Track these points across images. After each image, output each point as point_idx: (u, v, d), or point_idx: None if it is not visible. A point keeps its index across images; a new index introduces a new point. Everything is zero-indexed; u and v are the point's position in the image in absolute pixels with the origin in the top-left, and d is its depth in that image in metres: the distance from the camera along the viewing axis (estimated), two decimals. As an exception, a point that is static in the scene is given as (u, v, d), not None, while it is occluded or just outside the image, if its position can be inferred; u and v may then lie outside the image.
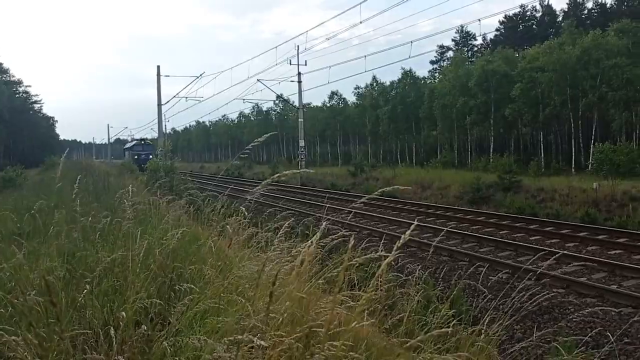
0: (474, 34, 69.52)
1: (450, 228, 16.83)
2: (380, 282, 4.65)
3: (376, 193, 3.86)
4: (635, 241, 13.81)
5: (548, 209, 20.30)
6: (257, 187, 3.74)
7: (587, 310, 8.70)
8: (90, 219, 5.29)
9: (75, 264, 4.18)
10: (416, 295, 4.60)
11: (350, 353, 2.55)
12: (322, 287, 4.16)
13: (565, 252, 12.59)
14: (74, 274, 3.95)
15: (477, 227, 17.29)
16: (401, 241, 2.49)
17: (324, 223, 3.71)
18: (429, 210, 21.51)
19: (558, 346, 4.30)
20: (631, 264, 11.41)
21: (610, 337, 6.91)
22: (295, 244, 4.68)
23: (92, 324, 3.19)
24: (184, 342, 2.85)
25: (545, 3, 63.77)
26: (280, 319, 2.96)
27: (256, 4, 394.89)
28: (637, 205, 19.53)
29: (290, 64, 41.23)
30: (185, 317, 3.08)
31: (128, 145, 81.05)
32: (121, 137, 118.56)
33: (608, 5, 57.23)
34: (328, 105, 76.37)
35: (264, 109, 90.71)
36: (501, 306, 4.61)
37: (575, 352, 4.12)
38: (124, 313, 2.84)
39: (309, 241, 2.77)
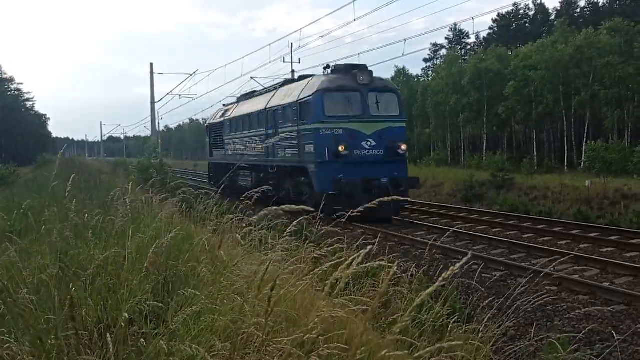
0: (467, 32, 69.74)
1: (444, 226, 16.85)
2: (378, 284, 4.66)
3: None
4: (627, 239, 13.87)
5: (540, 206, 20.36)
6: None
7: (580, 308, 8.75)
8: (84, 216, 5.26)
9: (68, 262, 4.16)
10: (410, 294, 4.61)
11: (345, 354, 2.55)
12: (316, 285, 4.16)
13: (567, 251, 12.66)
14: (67, 273, 3.92)
15: (470, 224, 17.31)
16: (449, 273, 2.37)
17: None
18: (422, 208, 21.53)
19: (554, 341, 4.31)
20: (623, 262, 11.46)
21: (604, 334, 6.96)
22: (290, 242, 4.67)
23: (86, 322, 3.17)
24: (179, 341, 2.84)
25: (538, 2, 64.06)
26: (277, 320, 2.96)
27: (247, 3, 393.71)
28: (629, 203, 19.63)
29: (284, 61, 41.05)
30: (180, 315, 3.06)
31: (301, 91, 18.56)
32: (114, 135, 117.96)
33: (600, 4, 57.54)
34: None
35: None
36: (495, 304, 4.63)
37: (568, 349, 4.14)
38: (126, 314, 2.82)
39: (350, 261, 2.71)
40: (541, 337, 6.46)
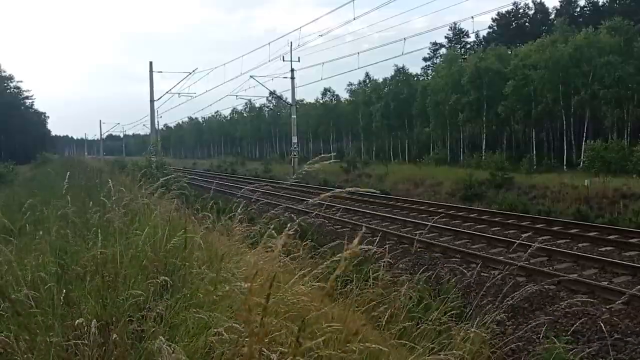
0: (467, 31, 69.61)
1: (443, 225, 16.87)
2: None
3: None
4: (626, 238, 13.88)
5: (539, 206, 20.37)
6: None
7: (578, 307, 8.76)
8: (83, 214, 5.26)
9: (67, 260, 4.16)
10: (409, 292, 4.62)
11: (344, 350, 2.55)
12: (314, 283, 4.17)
13: (566, 250, 12.67)
14: (65, 270, 3.93)
15: (469, 223, 17.33)
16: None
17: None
18: (422, 207, 21.55)
19: (554, 339, 4.32)
20: (622, 261, 11.48)
21: (602, 332, 6.97)
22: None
23: (85, 320, 3.17)
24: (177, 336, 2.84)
25: (538, 1, 64.01)
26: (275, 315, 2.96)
27: (246, 1, 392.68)
28: (628, 202, 19.63)
29: (284, 60, 41.10)
30: (178, 312, 3.07)
31: None
32: (113, 133, 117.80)
33: (600, 3, 57.49)
34: (321, 102, 76.35)
35: (257, 105, 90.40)
36: (494, 302, 4.63)
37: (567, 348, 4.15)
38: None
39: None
40: (539, 334, 6.49)
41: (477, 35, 67.04)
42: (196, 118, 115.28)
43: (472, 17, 44.62)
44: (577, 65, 39.34)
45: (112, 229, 4.80)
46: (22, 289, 3.28)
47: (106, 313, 3.24)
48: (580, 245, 13.51)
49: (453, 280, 8.60)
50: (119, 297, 3.34)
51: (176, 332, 2.93)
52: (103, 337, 2.83)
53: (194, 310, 3.16)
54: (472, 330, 3.97)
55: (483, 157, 41.63)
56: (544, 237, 14.62)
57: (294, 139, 42.21)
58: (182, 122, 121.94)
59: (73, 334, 2.96)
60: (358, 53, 62.20)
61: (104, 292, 3.55)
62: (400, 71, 60.65)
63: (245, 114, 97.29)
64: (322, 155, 3.29)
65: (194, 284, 3.65)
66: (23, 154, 72.39)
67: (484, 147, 46.31)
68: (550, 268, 11.16)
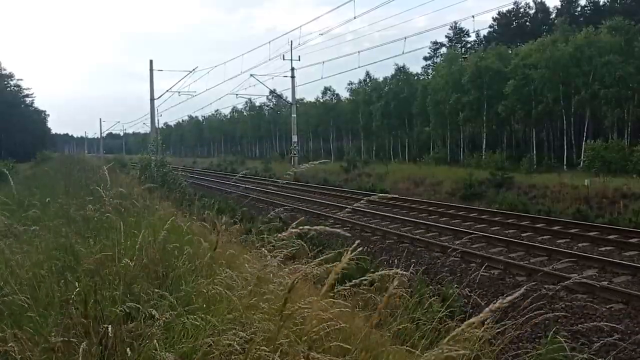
0: (468, 31, 69.50)
1: (442, 224, 16.88)
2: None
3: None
4: (626, 238, 13.87)
5: (539, 205, 20.36)
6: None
7: (577, 307, 8.76)
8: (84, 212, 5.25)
9: (66, 258, 4.15)
10: (409, 292, 4.60)
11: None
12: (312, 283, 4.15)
13: (566, 250, 12.65)
14: (63, 268, 3.91)
15: (469, 223, 17.32)
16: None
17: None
18: (421, 207, 21.53)
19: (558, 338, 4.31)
20: (622, 261, 11.47)
21: (602, 332, 6.96)
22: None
23: (81, 317, 3.15)
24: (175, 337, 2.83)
25: (539, 0, 63.97)
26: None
27: (246, 0, 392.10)
28: (628, 202, 19.62)
29: (284, 59, 41.16)
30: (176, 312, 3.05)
31: None
32: (113, 132, 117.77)
33: (601, 3, 57.43)
34: (321, 100, 76.31)
35: (257, 104, 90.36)
36: (493, 302, 4.61)
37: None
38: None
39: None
40: (539, 334, 6.47)
41: (477, 35, 67.03)
42: (196, 116, 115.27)
43: (473, 17, 44.77)
44: (578, 64, 39.33)
45: (114, 230, 4.80)
46: (20, 288, 3.27)
47: (103, 313, 3.23)
48: (580, 245, 13.51)
49: (453, 279, 8.59)
50: (116, 297, 3.33)
51: (172, 334, 2.91)
52: (100, 337, 2.82)
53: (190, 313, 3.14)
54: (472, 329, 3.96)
55: (483, 157, 41.62)
56: (543, 237, 14.66)
57: (294, 138, 42.23)
58: (182, 120, 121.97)
59: (71, 332, 2.95)
60: (358, 52, 62.46)
61: (101, 291, 3.54)
62: (401, 70, 60.66)
63: (245, 113, 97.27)
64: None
65: (190, 286, 3.64)
66: (23, 152, 72.27)
67: (484, 146, 46.29)
68: (550, 268, 11.16)
